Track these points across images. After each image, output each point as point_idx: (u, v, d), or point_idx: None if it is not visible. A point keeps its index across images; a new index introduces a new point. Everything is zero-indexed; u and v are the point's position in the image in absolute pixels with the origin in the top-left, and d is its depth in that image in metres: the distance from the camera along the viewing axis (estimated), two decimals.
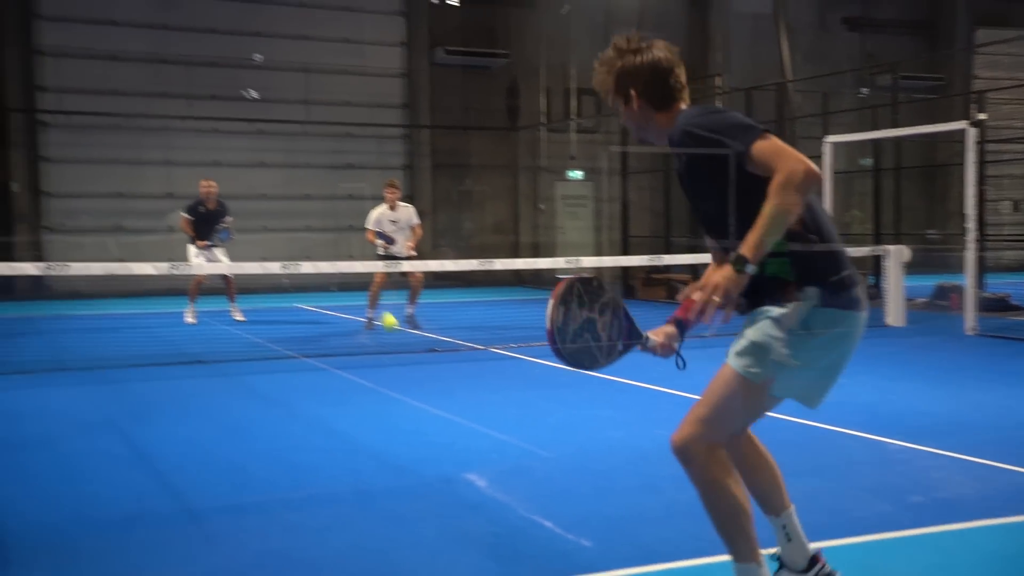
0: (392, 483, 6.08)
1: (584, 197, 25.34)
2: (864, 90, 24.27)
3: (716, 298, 3.28)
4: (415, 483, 6.06)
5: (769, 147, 3.41)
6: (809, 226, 3.54)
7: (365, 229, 14.10)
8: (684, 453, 3.66)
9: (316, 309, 17.95)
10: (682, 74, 3.94)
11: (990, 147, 16.72)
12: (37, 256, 20.50)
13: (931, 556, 4.81)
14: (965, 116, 13.80)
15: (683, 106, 3.85)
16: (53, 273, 11.30)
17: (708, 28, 25.62)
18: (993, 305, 15.46)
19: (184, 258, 14.46)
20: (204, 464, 6.65)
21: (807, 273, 3.54)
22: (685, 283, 18.70)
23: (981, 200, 13.19)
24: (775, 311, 3.53)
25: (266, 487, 6.04)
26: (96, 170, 21.57)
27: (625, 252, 20.64)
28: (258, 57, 22.10)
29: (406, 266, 13.64)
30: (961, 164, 13.93)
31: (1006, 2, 27.32)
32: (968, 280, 13.46)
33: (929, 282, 17.47)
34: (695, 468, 3.67)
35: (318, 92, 22.87)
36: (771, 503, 3.97)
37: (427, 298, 17.93)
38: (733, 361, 3.63)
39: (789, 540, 3.95)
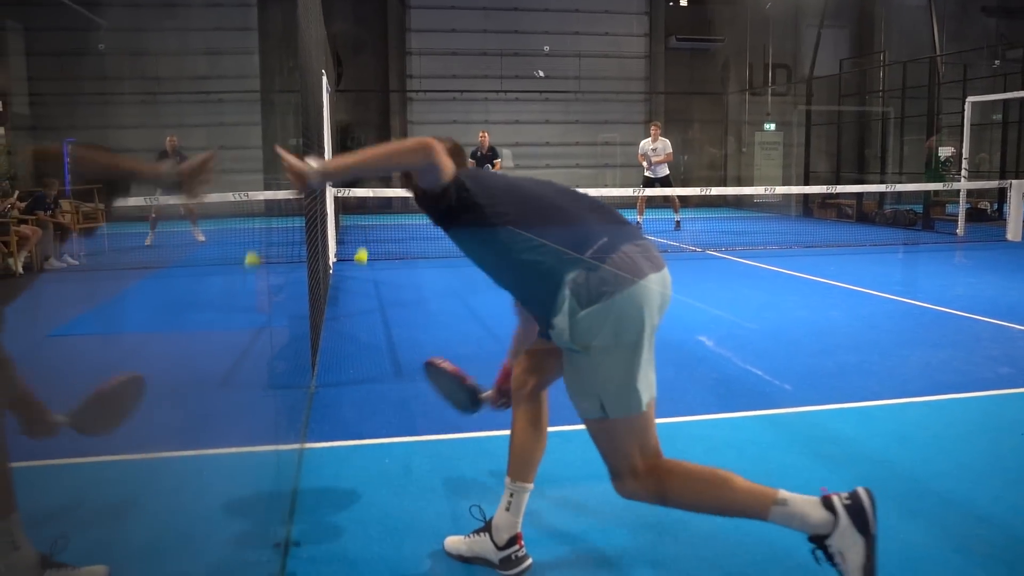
0: None
1: (776, 143, 24.21)
2: (997, 62, 22.00)
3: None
4: (659, 342, 6.10)
5: None
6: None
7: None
8: (648, 494, 2.58)
9: None
10: None
11: None
12: None
13: None
14: None
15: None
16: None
17: (874, 16, 23.74)
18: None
19: None
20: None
21: None
22: (850, 207, 17.74)
23: None
24: None
25: None
26: (442, 128, 22.31)
27: (806, 183, 19.69)
28: (546, 48, 22.13)
29: (647, 191, 13.62)
30: None
31: None
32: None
33: None
34: (662, 493, 2.57)
35: (587, 71, 22.72)
36: (526, 470, 2.75)
37: (652, 214, 17.73)
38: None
39: (507, 510, 2.73)
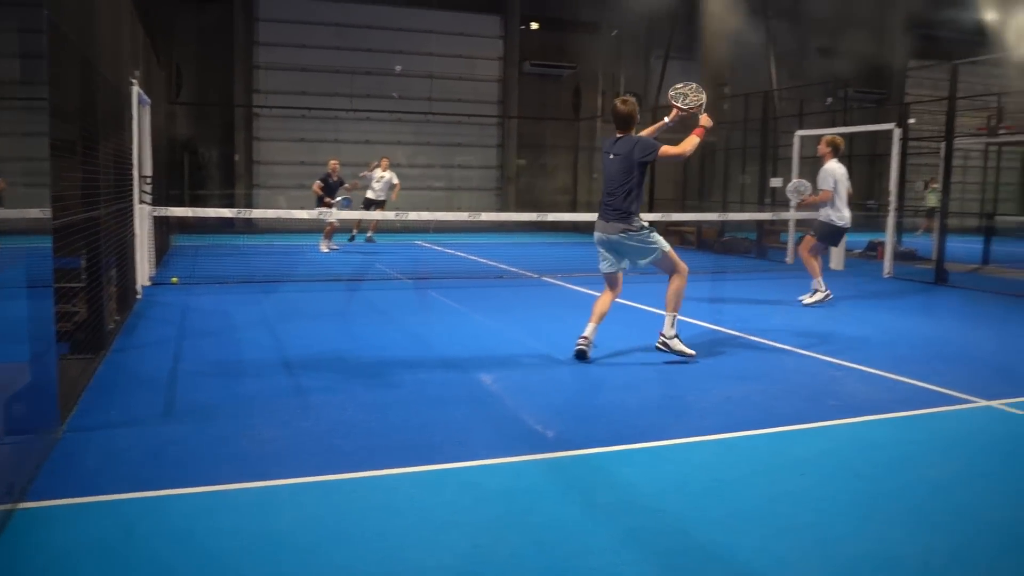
0: (444, 376, 5.81)
1: None
2: (829, 99, 23.18)
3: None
4: (462, 376, 5.80)
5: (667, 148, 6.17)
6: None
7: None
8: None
9: (428, 245, 17.75)
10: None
11: (911, 143, 15.92)
12: (248, 204, 20.83)
13: (823, 443, 4.48)
14: (898, 120, 13.03)
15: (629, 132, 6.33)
16: (242, 216, 11.18)
17: (718, 50, 24.65)
18: (905, 256, 14.73)
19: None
20: (319, 353, 6.48)
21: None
22: (691, 234, 18.17)
23: (902, 180, 12.43)
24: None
25: (356, 373, 5.85)
26: (288, 146, 21.69)
27: (651, 210, 20.06)
28: (398, 68, 21.82)
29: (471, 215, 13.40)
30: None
31: (931, 40, 25.94)
32: (888, 237, 12.78)
33: (865, 239, 16.72)
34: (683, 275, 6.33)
35: (439, 92, 22.59)
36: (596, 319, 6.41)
37: (501, 238, 17.73)
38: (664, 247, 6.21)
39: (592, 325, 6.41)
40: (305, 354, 6.45)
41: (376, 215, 14.88)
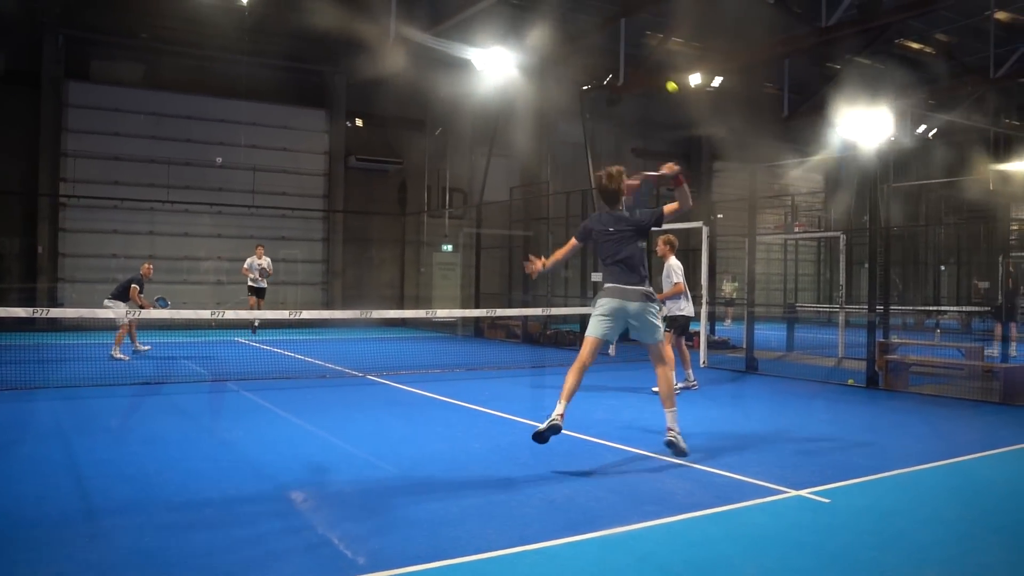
0: (255, 489, 5.42)
1: (454, 264, 24.93)
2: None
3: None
4: (273, 489, 5.42)
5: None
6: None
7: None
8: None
9: (249, 342, 17.04)
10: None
11: (719, 238, 16.94)
12: (53, 299, 19.43)
13: (644, 546, 4.45)
14: (706, 218, 13.85)
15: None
16: (39, 316, 10.20)
17: (541, 150, 25.54)
18: (719, 345, 15.50)
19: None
20: (117, 468, 5.91)
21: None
22: (518, 328, 18.38)
23: (712, 273, 13.13)
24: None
25: (157, 490, 5.35)
26: (99, 237, 20.50)
27: (477, 304, 20.24)
28: (219, 160, 21.19)
29: (306, 314, 13.03)
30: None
31: (735, 143, 27.98)
32: (702, 328, 13.40)
33: None
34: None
35: (263, 185, 22.13)
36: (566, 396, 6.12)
37: (325, 335, 17.37)
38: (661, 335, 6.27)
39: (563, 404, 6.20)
40: (101, 470, 5.89)
41: (192, 314, 14.16)
